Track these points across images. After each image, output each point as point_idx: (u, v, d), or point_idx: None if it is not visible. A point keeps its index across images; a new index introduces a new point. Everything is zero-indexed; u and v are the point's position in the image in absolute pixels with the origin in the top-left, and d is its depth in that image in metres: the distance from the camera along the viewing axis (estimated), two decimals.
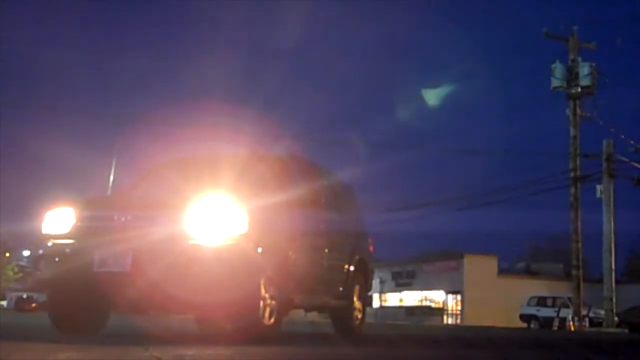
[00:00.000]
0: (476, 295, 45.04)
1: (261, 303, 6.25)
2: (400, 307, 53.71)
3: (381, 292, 54.85)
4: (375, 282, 54.40)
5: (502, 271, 48.33)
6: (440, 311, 50.07)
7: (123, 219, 6.06)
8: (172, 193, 6.84)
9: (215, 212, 6.00)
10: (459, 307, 48.26)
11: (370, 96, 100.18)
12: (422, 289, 52.47)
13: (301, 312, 9.95)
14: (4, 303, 54.52)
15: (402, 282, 54.14)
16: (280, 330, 6.84)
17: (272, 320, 6.45)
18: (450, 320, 48.43)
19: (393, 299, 55.53)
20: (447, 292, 49.71)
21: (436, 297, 51.28)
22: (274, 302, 6.46)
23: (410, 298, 53.63)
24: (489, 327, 22.50)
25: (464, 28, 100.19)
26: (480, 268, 46.70)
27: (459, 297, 48.49)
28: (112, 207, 6.38)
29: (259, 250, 6.17)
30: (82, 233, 6.20)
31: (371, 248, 9.66)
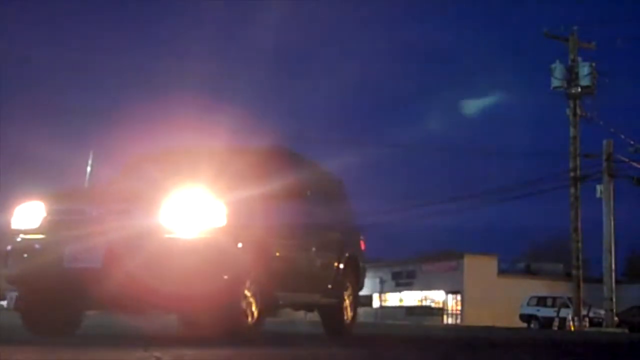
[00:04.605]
0: (476, 295, 45.07)
1: (242, 301, 5.95)
2: (400, 307, 53.69)
3: (381, 292, 54.88)
4: (375, 282, 54.51)
5: (502, 271, 48.34)
6: (440, 311, 50.08)
7: (95, 212, 5.78)
8: (147, 186, 6.56)
9: (191, 205, 5.72)
10: (459, 307, 48.26)
11: (367, 94, 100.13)
12: (422, 289, 52.46)
13: (301, 312, 9.72)
14: (4, 303, 54.37)
15: (402, 282, 54.15)
16: (262, 330, 6.49)
17: (254, 319, 6.14)
18: (450, 320, 48.42)
19: (393, 299, 55.53)
20: (447, 292, 49.71)
21: (436, 297, 51.28)
22: (256, 300, 6.15)
23: (410, 298, 53.63)
24: (488, 327, 22.52)
25: (463, 27, 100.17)
26: (480, 268, 46.70)
27: (459, 297, 48.49)
28: (84, 200, 6.10)
29: (239, 245, 5.88)
30: (52, 227, 5.90)
31: (363, 245, 9.31)
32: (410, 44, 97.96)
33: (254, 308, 6.13)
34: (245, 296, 6.01)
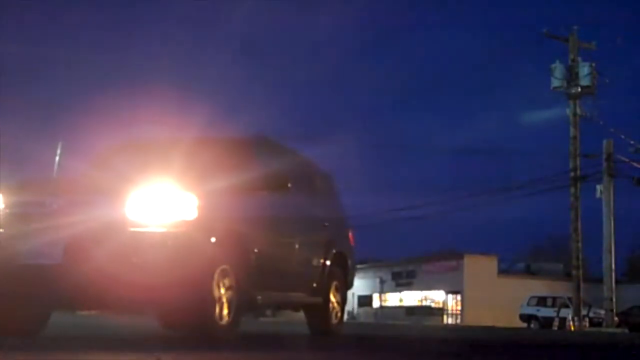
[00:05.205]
0: (476, 295, 44.99)
1: (214, 300, 5.60)
2: (400, 307, 53.68)
3: (381, 292, 54.86)
4: (375, 282, 54.58)
5: (502, 271, 48.30)
6: (440, 311, 50.06)
7: (56, 204, 5.41)
8: (113, 177, 6.20)
9: (159, 197, 5.36)
10: (459, 307, 48.21)
11: (365, 94, 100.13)
12: (422, 289, 52.43)
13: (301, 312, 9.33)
14: None
15: (402, 282, 54.12)
16: (238, 331, 6.11)
17: (229, 320, 5.78)
18: (450, 320, 48.39)
19: (393, 299, 55.51)
20: (447, 292, 49.67)
21: (436, 297, 51.25)
22: (231, 299, 5.79)
23: (411, 298, 53.61)
24: (488, 327, 22.43)
25: (462, 27, 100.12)
26: (480, 268, 46.64)
27: (459, 297, 48.44)
28: (45, 191, 5.70)
29: (212, 239, 5.52)
30: (10, 221, 5.53)
31: (351, 241, 8.93)
32: (408, 43, 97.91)
33: (229, 307, 5.78)
34: (219, 295, 5.67)
